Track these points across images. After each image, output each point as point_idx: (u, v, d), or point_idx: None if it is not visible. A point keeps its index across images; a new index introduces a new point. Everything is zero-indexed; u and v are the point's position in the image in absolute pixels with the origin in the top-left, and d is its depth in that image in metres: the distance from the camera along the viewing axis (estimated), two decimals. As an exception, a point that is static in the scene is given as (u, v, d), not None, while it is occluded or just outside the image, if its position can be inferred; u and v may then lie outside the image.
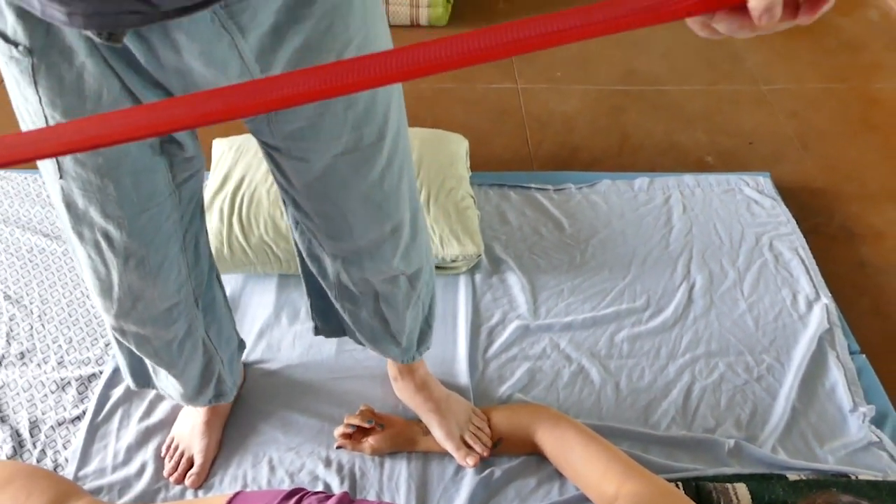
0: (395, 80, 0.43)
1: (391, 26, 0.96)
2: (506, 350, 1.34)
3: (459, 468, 1.15)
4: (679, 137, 1.87)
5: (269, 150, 0.81)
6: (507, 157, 1.82)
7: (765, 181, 1.67)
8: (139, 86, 0.67)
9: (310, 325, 1.15)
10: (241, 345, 1.14)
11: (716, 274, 1.46)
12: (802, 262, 1.48)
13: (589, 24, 0.42)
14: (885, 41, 2.23)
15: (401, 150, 0.85)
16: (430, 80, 2.02)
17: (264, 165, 1.43)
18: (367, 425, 1.15)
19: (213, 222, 1.40)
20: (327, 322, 1.11)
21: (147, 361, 0.97)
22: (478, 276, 1.45)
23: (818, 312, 1.37)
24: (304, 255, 0.98)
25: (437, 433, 1.15)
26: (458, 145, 1.61)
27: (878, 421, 1.21)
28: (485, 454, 1.14)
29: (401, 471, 1.15)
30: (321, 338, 1.29)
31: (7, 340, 1.33)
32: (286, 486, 1.10)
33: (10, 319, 1.37)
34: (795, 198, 1.67)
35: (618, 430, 1.20)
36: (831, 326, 1.35)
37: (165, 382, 1.01)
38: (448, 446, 1.14)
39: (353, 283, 0.95)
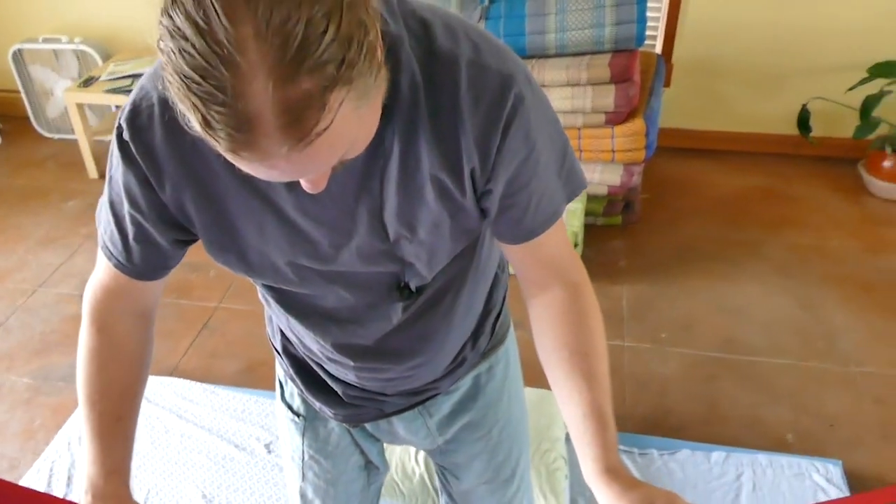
0: None
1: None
2: None
3: None
4: (764, 412, 2.10)
5: (438, 465, 1.23)
6: (606, 413, 2.12)
7: (835, 469, 1.86)
8: (362, 439, 1.14)
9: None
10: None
11: (772, 558, 1.66)
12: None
13: None
14: None
15: (525, 482, 1.25)
16: (550, 333, 2.41)
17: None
18: None
19: (357, 455, 1.81)
20: None
21: None
22: (560, 529, 1.75)
23: None
24: None
25: None
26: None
27: None
28: None
29: None
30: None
31: (198, 531, 1.79)
32: None
33: (203, 514, 1.83)
34: (865, 489, 1.83)
35: None
36: None
37: None
38: None
39: None
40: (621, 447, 1.93)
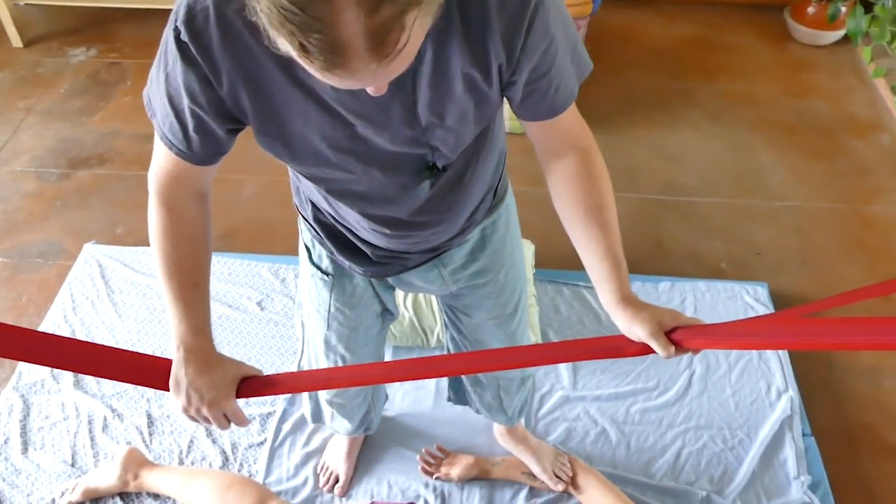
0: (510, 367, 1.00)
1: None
2: (551, 412, 1.88)
3: (515, 494, 1.71)
4: (701, 246, 2.37)
5: (448, 305, 1.41)
6: (563, 254, 2.34)
7: (762, 291, 2.16)
8: (381, 289, 1.30)
9: (416, 384, 1.73)
10: (386, 397, 1.74)
11: (712, 365, 1.97)
12: (780, 360, 1.96)
13: (571, 353, 0.98)
14: (891, 167, 2.66)
15: (525, 315, 1.45)
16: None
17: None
18: (439, 455, 1.73)
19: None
20: (459, 395, 1.70)
21: (327, 410, 1.58)
22: (535, 356, 2.00)
23: (784, 402, 1.86)
24: None
25: (536, 469, 1.72)
26: (527, 251, 2.16)
27: (814, 487, 1.70)
28: (568, 482, 1.69)
29: (475, 493, 1.72)
30: (424, 393, 1.89)
31: (209, 382, 1.95)
32: (400, 499, 1.68)
33: (211, 367, 1.99)
34: (788, 306, 2.15)
35: (625, 477, 1.73)
36: (792, 414, 1.84)
37: (339, 423, 1.61)
38: (544, 477, 1.71)
39: (485, 378, 1.54)
40: (581, 283, 2.18)
